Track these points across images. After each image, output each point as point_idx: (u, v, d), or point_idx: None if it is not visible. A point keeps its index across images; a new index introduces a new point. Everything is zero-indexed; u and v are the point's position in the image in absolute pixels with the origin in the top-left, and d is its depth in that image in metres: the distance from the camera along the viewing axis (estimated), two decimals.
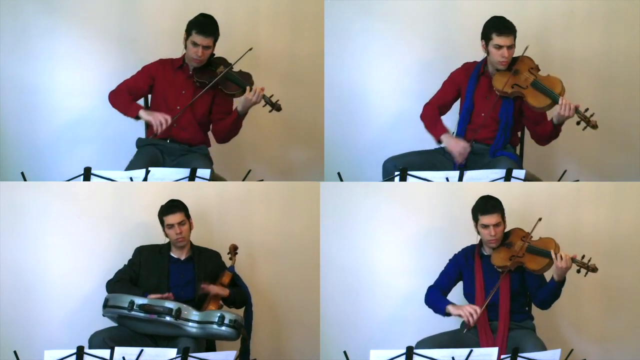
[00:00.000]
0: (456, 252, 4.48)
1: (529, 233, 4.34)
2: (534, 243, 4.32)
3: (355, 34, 5.22)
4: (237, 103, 4.71)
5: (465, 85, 4.65)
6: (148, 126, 4.82)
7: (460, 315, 4.28)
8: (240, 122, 4.71)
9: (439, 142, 4.62)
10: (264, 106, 4.64)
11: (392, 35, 5.22)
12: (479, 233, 4.39)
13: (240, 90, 4.64)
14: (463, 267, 4.43)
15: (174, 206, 4.48)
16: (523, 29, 4.69)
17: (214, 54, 4.69)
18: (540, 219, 4.32)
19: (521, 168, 4.45)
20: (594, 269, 4.21)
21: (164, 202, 4.52)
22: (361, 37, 5.23)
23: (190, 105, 4.66)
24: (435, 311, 4.40)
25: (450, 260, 4.49)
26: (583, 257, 4.23)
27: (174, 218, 4.45)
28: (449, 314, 4.33)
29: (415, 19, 5.20)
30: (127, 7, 5.16)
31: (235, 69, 4.71)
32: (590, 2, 5.15)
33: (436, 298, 4.41)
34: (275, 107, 4.62)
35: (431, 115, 4.69)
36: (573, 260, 4.21)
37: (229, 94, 4.67)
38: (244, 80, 4.65)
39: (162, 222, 4.49)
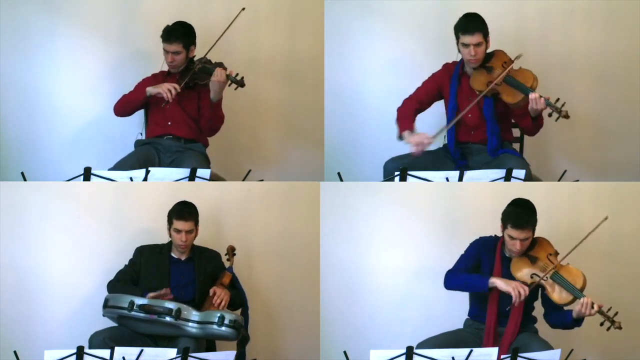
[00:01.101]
0: (477, 239, 4.34)
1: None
2: (561, 271, 4.13)
3: (355, 34, 5.22)
4: None
5: (448, 86, 4.64)
6: (147, 126, 4.84)
7: (509, 292, 4.08)
8: (217, 108, 4.76)
9: (400, 137, 4.54)
10: (229, 85, 4.68)
11: (392, 35, 5.22)
12: (503, 235, 4.21)
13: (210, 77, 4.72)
14: (483, 259, 4.26)
15: (186, 213, 4.44)
16: (523, 28, 4.69)
17: (194, 56, 4.79)
18: (606, 218, 4.21)
19: (526, 164, 4.44)
20: (619, 327, 4.05)
21: (163, 203, 4.52)
22: (361, 37, 5.23)
23: (179, 100, 4.74)
24: (471, 289, 4.22)
25: (471, 245, 4.32)
26: (609, 309, 4.08)
27: (183, 225, 4.43)
28: (492, 289, 4.13)
29: (415, 19, 5.20)
30: (127, 7, 5.17)
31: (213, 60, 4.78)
32: (590, 1, 5.16)
33: (469, 275, 4.21)
34: (239, 83, 4.67)
35: (405, 110, 4.64)
36: (599, 311, 4.04)
37: (203, 84, 4.74)
38: (212, 68, 4.71)
39: (170, 222, 4.46)
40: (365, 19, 5.21)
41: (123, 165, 4.62)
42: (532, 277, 4.15)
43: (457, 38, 4.54)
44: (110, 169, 4.56)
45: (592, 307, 4.04)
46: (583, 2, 5.16)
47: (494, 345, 4.17)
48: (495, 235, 4.33)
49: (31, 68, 5.13)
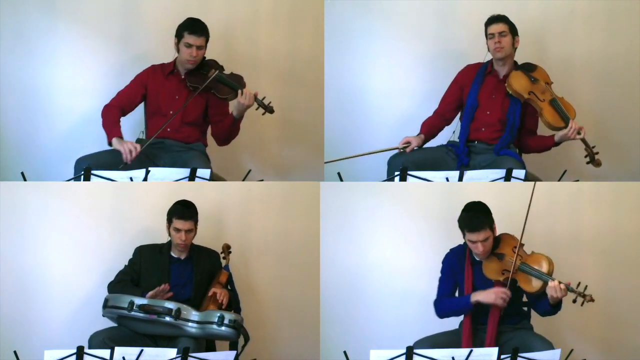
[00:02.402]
0: (447, 253, 4.38)
1: (521, 242, 4.19)
2: (526, 260, 4.18)
3: (355, 34, 5.22)
4: (232, 106, 4.73)
5: (469, 84, 4.67)
6: (148, 128, 4.81)
7: (491, 302, 4.13)
8: (238, 124, 4.74)
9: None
10: (257, 109, 4.68)
11: (392, 35, 5.22)
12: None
13: (232, 93, 4.68)
14: (456, 271, 4.32)
15: (187, 213, 4.44)
16: (523, 29, 4.69)
17: (205, 57, 4.73)
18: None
19: (525, 168, 4.44)
20: (591, 299, 4.06)
21: (164, 203, 4.52)
22: (361, 37, 5.23)
23: (183, 108, 4.68)
24: (460, 312, 4.26)
25: (443, 264, 4.38)
26: (579, 284, 4.09)
27: (183, 224, 4.43)
28: (476, 304, 4.17)
29: (415, 19, 5.20)
30: (127, 7, 5.16)
31: (227, 71, 4.75)
32: (590, 2, 5.16)
33: (452, 300, 4.29)
34: (268, 109, 4.67)
35: (428, 122, 4.75)
36: (568, 288, 4.07)
37: (223, 97, 4.70)
38: (235, 83, 4.68)
39: (169, 221, 4.46)
40: (365, 19, 5.21)
41: (98, 157, 4.58)
42: (503, 274, 4.19)
43: (486, 35, 4.63)
44: (83, 158, 4.54)
45: (561, 289, 4.04)
46: (583, 2, 5.16)
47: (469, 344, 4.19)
48: (465, 243, 4.34)
49: (31, 68, 5.13)
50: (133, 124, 4.93)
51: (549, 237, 4.31)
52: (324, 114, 5.16)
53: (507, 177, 4.33)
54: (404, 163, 4.47)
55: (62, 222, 4.81)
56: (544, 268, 4.14)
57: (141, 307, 4.24)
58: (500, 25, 4.59)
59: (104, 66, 5.16)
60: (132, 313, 4.24)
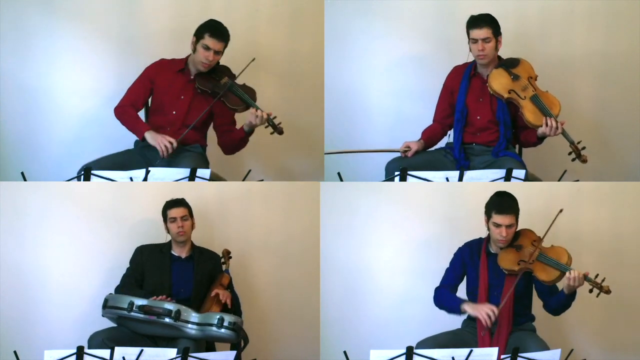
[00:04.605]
0: (460, 246, 4.41)
1: (541, 238, 4.26)
2: (545, 251, 4.23)
3: (355, 34, 5.22)
4: (238, 118, 4.70)
5: (457, 87, 4.65)
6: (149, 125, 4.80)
7: (477, 316, 4.17)
8: (247, 139, 4.67)
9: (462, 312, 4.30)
10: (266, 127, 4.57)
11: (392, 34, 5.22)
12: (488, 229, 4.30)
13: (243, 105, 4.60)
14: (467, 263, 4.35)
15: (178, 201, 4.51)
16: (523, 29, 4.69)
17: (218, 62, 4.66)
18: (561, 211, 4.28)
19: (525, 169, 4.44)
20: (607, 291, 4.09)
21: (163, 203, 4.52)
22: (361, 37, 5.23)
23: (187, 110, 4.64)
24: (449, 311, 4.32)
25: (454, 254, 4.41)
26: (597, 276, 4.12)
27: (177, 212, 4.48)
28: (464, 313, 4.25)
29: (415, 19, 5.20)
30: (127, 7, 5.16)
31: (239, 81, 4.69)
32: (590, 2, 5.16)
33: (447, 297, 4.32)
34: (277, 130, 4.56)
35: (428, 130, 4.71)
36: (586, 278, 4.10)
37: (232, 108, 4.62)
38: (248, 97, 4.60)
39: (165, 216, 4.50)
40: (365, 19, 5.21)
41: (105, 161, 4.57)
42: (518, 264, 4.22)
43: (468, 36, 4.56)
44: (87, 165, 4.50)
45: (579, 278, 4.09)
46: (583, 2, 5.16)
47: (485, 340, 4.21)
48: (480, 237, 4.38)
49: (31, 68, 5.13)
50: None
51: (548, 236, 4.30)
52: (324, 114, 5.16)
53: (507, 177, 4.33)
54: (400, 167, 4.45)
55: (62, 222, 4.81)
56: (563, 259, 4.17)
57: (141, 308, 4.24)
58: (484, 31, 4.48)
59: (104, 66, 5.17)
60: (132, 314, 4.24)
